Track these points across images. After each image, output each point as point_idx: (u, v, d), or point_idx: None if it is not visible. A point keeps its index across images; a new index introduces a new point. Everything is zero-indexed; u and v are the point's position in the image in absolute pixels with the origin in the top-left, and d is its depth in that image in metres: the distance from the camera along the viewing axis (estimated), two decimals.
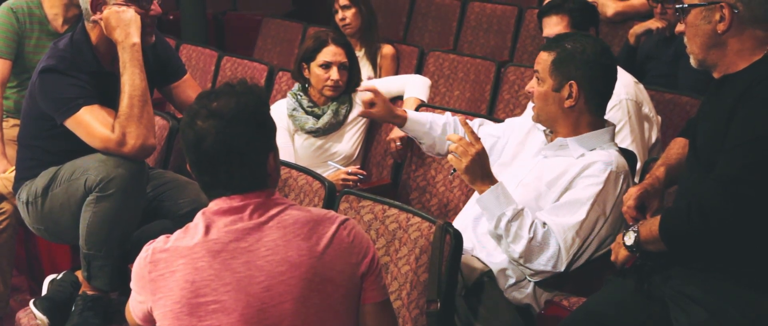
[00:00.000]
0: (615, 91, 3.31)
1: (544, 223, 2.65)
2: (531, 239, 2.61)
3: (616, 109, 3.37)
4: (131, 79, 2.87)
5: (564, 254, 2.62)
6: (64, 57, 2.93)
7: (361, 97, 3.47)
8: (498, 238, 2.68)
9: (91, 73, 2.94)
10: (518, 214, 2.62)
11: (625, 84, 3.43)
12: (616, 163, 2.71)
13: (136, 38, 2.89)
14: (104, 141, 2.85)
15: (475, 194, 2.98)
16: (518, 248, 2.62)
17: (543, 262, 2.63)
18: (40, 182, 2.97)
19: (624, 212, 2.55)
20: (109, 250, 2.86)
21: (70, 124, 2.89)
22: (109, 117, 2.87)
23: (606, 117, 3.23)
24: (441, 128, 3.25)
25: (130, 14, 2.90)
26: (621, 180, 2.70)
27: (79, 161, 2.90)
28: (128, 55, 2.88)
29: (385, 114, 3.34)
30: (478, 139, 2.67)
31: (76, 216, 2.89)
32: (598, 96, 2.78)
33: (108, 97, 2.93)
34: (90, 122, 2.86)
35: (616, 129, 3.31)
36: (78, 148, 2.91)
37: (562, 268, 2.63)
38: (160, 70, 3.19)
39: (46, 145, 3.02)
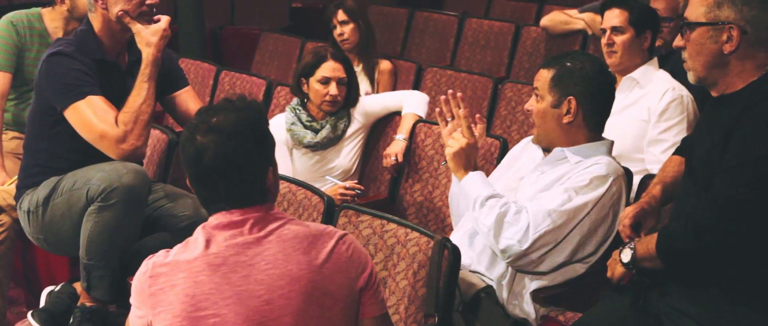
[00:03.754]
0: (675, 86, 3.40)
1: (524, 207, 2.69)
2: (501, 213, 2.67)
3: (677, 104, 3.41)
4: (150, 89, 2.96)
5: (531, 231, 2.64)
6: (70, 43, 2.99)
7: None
8: (475, 221, 2.75)
9: (96, 60, 2.99)
10: (494, 195, 2.71)
11: (682, 87, 3.46)
12: (608, 166, 2.72)
13: (160, 54, 2.99)
14: (103, 134, 2.89)
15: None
16: (488, 221, 2.68)
17: (509, 235, 2.66)
18: (42, 192, 2.99)
19: (620, 231, 2.57)
20: (109, 261, 2.87)
21: (71, 111, 2.92)
22: (112, 111, 2.91)
23: (661, 104, 3.25)
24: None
25: (159, 28, 2.98)
26: (610, 181, 2.70)
27: (82, 172, 2.92)
28: (154, 69, 2.98)
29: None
30: (472, 135, 2.79)
31: (77, 226, 2.90)
32: (596, 113, 2.80)
33: (110, 86, 2.98)
34: (92, 113, 2.90)
35: (673, 122, 3.38)
36: (83, 147, 2.94)
37: (525, 245, 2.64)
38: (161, 79, 3.21)
39: (51, 146, 3.03)
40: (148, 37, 2.97)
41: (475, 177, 2.77)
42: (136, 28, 2.98)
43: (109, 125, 2.89)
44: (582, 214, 2.68)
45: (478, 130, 2.89)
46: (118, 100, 2.96)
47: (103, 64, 3.01)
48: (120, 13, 2.96)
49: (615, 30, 3.54)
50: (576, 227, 2.68)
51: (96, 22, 3.02)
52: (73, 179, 2.93)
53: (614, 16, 3.55)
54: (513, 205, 2.69)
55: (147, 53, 2.97)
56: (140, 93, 2.94)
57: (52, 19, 3.97)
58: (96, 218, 2.85)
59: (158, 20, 3.02)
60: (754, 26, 2.25)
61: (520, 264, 2.70)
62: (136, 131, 2.90)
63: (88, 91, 2.91)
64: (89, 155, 2.94)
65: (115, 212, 2.83)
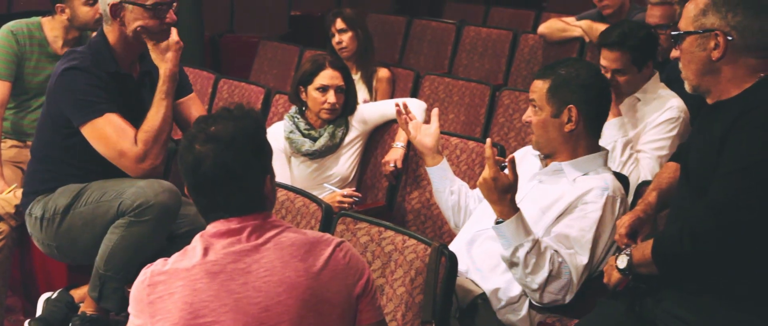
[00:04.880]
0: (676, 105, 3.38)
1: (557, 252, 2.66)
2: (551, 271, 2.63)
3: (671, 122, 3.39)
4: (168, 107, 2.97)
5: (575, 286, 2.67)
6: (86, 56, 2.99)
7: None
8: (511, 265, 2.67)
9: (110, 72, 2.99)
10: (536, 246, 2.63)
11: (682, 108, 3.43)
12: (612, 188, 2.74)
13: (177, 70, 3.01)
14: (122, 153, 2.89)
15: (472, 217, 3.01)
16: (538, 279, 2.63)
17: (555, 291, 2.66)
18: (62, 200, 2.98)
19: (616, 239, 2.58)
20: (127, 274, 2.87)
21: (89, 128, 2.92)
22: (130, 129, 2.92)
23: (658, 119, 3.27)
24: (455, 204, 3.16)
25: (172, 41, 3.00)
26: (618, 204, 2.74)
27: (112, 183, 2.93)
28: (171, 86, 2.99)
29: (431, 146, 3.21)
30: (498, 171, 2.61)
31: (98, 236, 2.90)
32: (596, 119, 2.81)
33: (124, 98, 2.99)
34: (110, 131, 2.90)
35: (660, 137, 3.37)
36: (95, 158, 2.94)
37: (568, 299, 2.67)
38: None
39: (65, 155, 3.03)
40: (164, 52, 2.98)
41: (517, 221, 2.62)
42: (153, 43, 2.98)
43: (128, 144, 2.90)
44: (602, 245, 2.72)
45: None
46: (131, 111, 2.97)
47: (117, 76, 3.01)
48: (139, 28, 2.96)
49: (617, 72, 3.41)
50: (599, 257, 2.73)
51: (111, 34, 3.02)
52: (101, 189, 2.93)
53: (614, 59, 3.41)
54: (556, 259, 2.64)
55: (164, 69, 2.98)
56: (159, 111, 2.95)
57: (52, 28, 3.99)
58: (124, 231, 2.86)
59: (174, 18, 3.04)
60: (739, 32, 2.28)
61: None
62: (155, 150, 2.91)
63: (105, 108, 2.91)
64: (104, 164, 2.95)
65: (145, 228, 2.85)
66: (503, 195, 2.61)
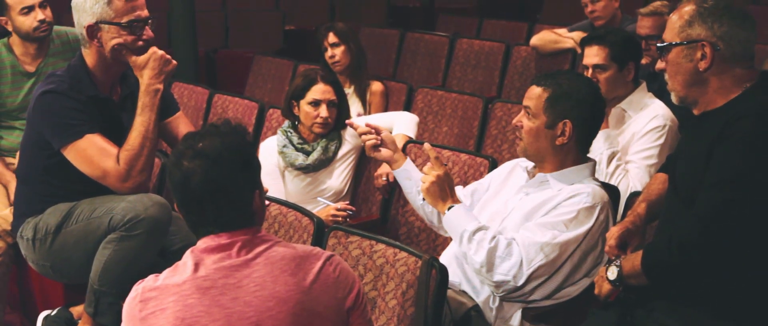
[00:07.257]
0: (662, 114, 3.41)
1: (514, 239, 2.68)
2: (492, 249, 2.65)
3: (658, 130, 3.41)
4: (149, 122, 2.96)
5: (525, 266, 2.65)
6: (64, 80, 2.99)
7: (364, 139, 3.16)
8: (464, 256, 2.73)
9: (90, 96, 2.99)
10: (480, 229, 2.69)
11: (669, 116, 3.46)
12: (593, 195, 2.73)
13: (160, 85, 2.99)
14: (106, 171, 2.90)
15: None
16: (478, 258, 2.66)
17: (504, 271, 2.66)
18: (52, 219, 2.99)
19: (606, 251, 2.58)
20: (122, 288, 2.88)
21: (70, 150, 2.93)
22: (112, 148, 2.93)
23: (644, 128, 3.33)
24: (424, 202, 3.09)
25: (146, 56, 2.98)
26: (597, 211, 2.71)
27: (100, 200, 2.94)
28: (150, 99, 2.98)
29: (386, 155, 3.12)
30: (441, 165, 2.79)
31: (90, 253, 2.91)
32: (587, 135, 2.81)
33: (106, 122, 2.99)
34: (92, 153, 2.91)
35: (647, 146, 3.39)
36: (80, 177, 2.94)
37: (520, 281, 2.66)
38: None
39: (49, 177, 3.03)
40: (139, 67, 2.98)
41: (458, 210, 2.76)
42: (132, 59, 2.99)
43: (111, 163, 2.90)
44: (573, 247, 2.70)
45: (425, 147, 2.93)
46: (113, 134, 2.97)
47: (96, 100, 3.01)
48: (116, 46, 2.96)
49: (597, 67, 3.47)
50: (568, 259, 2.71)
51: (89, 57, 3.02)
52: (90, 207, 2.94)
53: (594, 54, 3.49)
54: (502, 239, 2.67)
55: (142, 82, 2.98)
56: (140, 127, 2.95)
57: (17, 46, 3.98)
58: (116, 246, 2.87)
59: (151, 36, 3.03)
60: (726, 42, 2.29)
61: (513, 295, 2.72)
62: (138, 166, 2.92)
63: (86, 129, 2.92)
64: (90, 183, 2.95)
65: (137, 242, 2.86)
66: (452, 188, 2.78)
